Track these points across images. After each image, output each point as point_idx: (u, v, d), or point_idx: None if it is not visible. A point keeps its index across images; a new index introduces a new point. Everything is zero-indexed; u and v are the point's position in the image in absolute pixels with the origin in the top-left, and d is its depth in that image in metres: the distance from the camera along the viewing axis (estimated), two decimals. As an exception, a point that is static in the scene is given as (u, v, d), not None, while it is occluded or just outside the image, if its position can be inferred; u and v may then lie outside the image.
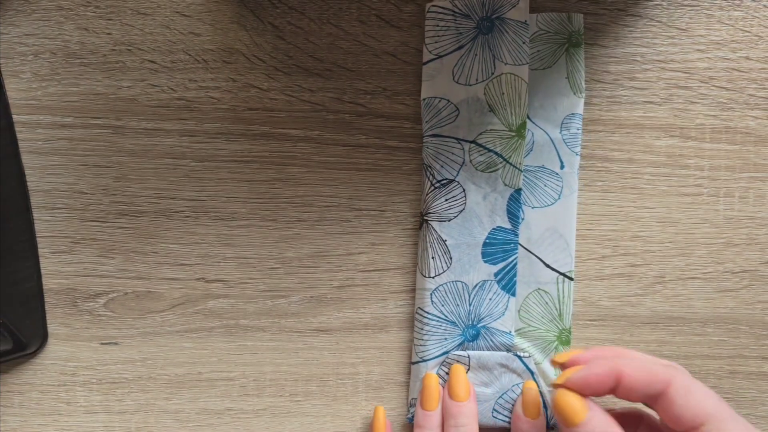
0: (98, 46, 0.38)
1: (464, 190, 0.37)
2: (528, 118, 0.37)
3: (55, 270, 0.39)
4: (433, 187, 0.37)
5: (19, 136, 0.38)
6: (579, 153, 0.38)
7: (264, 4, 0.38)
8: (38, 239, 0.39)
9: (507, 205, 0.37)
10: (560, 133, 0.37)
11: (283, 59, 0.38)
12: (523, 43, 0.37)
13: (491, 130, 0.37)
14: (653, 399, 0.31)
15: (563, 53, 0.37)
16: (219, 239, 0.39)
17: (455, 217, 0.38)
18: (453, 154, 0.37)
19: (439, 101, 0.37)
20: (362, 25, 0.38)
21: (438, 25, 0.37)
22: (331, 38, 0.38)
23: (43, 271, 0.39)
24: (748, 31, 0.38)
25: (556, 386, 0.32)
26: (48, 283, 0.39)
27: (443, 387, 0.38)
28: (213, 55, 0.38)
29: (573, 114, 0.37)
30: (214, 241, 0.39)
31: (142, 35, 0.38)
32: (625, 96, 0.38)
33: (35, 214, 0.39)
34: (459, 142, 0.37)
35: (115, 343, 0.39)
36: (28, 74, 0.38)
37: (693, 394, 0.31)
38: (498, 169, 0.37)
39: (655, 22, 0.38)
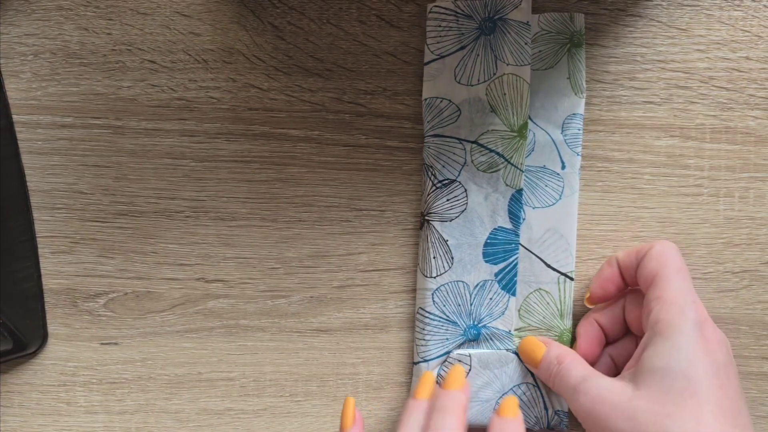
0: (98, 46, 0.38)
1: (466, 190, 0.37)
2: (529, 118, 0.37)
3: (55, 270, 0.39)
4: (434, 187, 0.37)
5: (19, 136, 0.38)
6: (580, 153, 0.38)
7: (264, 4, 0.38)
8: (38, 239, 0.39)
9: (508, 206, 0.37)
10: (561, 133, 0.37)
11: (283, 59, 0.38)
12: (525, 43, 0.37)
13: (493, 130, 0.37)
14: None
15: (565, 53, 0.37)
16: (219, 239, 0.39)
17: (457, 217, 0.38)
18: (454, 154, 0.37)
19: (441, 101, 0.37)
20: (362, 25, 0.38)
21: (440, 26, 0.37)
22: (331, 38, 0.38)
23: (43, 271, 0.39)
24: (748, 31, 0.38)
25: (586, 303, 0.37)
26: (48, 283, 0.39)
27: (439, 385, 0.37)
28: (213, 55, 0.38)
29: (574, 114, 0.37)
30: (214, 241, 0.39)
31: (142, 35, 0.38)
32: (625, 96, 0.38)
33: (35, 214, 0.39)
34: (460, 143, 0.37)
35: (115, 343, 0.39)
36: (28, 74, 0.38)
37: (656, 258, 0.34)
38: (499, 170, 0.37)
39: (655, 22, 0.38)
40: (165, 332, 0.39)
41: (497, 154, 0.37)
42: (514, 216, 0.37)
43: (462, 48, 0.37)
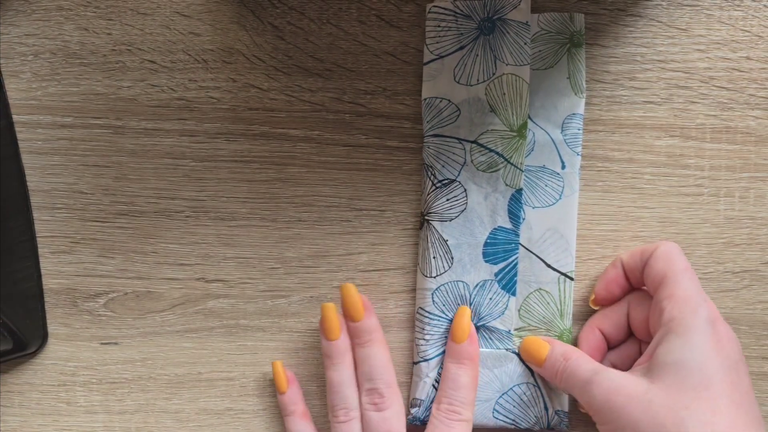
0: (98, 46, 0.38)
1: (465, 190, 0.37)
2: (529, 118, 0.37)
3: (55, 270, 0.39)
4: (434, 187, 0.37)
5: (19, 136, 0.38)
6: (580, 153, 0.38)
7: (264, 4, 0.38)
8: (38, 239, 0.39)
9: (508, 205, 0.37)
10: (561, 133, 0.37)
11: (283, 59, 0.38)
12: (525, 43, 0.37)
13: (492, 130, 0.37)
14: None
15: (565, 53, 0.37)
16: (219, 239, 0.39)
17: (456, 216, 0.38)
18: (454, 154, 0.37)
19: (441, 101, 0.37)
20: (362, 25, 0.38)
21: (439, 26, 0.37)
22: (331, 38, 0.38)
23: (43, 271, 0.39)
24: (748, 31, 0.38)
25: (591, 304, 0.38)
26: (48, 283, 0.39)
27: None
28: (213, 55, 0.38)
29: (574, 114, 0.37)
30: (214, 241, 0.39)
31: (142, 35, 0.38)
32: (625, 96, 0.38)
33: (35, 214, 0.39)
34: (460, 142, 0.37)
35: (115, 343, 0.39)
36: (28, 74, 0.38)
37: (663, 258, 0.35)
38: (499, 169, 0.37)
39: (655, 22, 0.38)
40: (165, 332, 0.39)
41: (497, 153, 0.37)
42: (514, 216, 0.37)
43: (461, 48, 0.37)
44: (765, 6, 0.38)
